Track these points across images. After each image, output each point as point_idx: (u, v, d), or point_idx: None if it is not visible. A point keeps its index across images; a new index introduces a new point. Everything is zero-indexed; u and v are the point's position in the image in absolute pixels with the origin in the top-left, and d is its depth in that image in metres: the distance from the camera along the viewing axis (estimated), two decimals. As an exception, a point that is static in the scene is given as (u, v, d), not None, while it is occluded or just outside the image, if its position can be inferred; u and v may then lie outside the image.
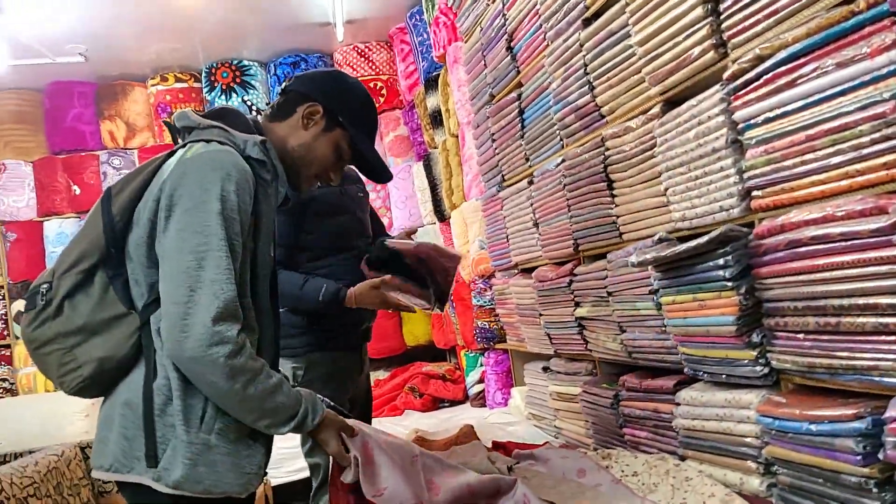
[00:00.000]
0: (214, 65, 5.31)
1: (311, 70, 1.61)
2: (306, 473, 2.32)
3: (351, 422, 1.56)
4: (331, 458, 1.54)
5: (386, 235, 2.37)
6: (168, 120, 1.47)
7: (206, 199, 1.26)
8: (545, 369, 3.15)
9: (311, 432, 1.43)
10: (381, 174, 1.63)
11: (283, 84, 1.55)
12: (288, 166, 1.49)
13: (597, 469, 2.13)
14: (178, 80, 5.35)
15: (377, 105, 5.17)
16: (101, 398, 1.40)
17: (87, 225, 1.37)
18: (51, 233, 5.32)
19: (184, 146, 1.37)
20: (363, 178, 1.80)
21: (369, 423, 2.45)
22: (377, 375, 5.12)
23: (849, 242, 1.40)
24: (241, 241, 1.31)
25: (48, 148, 5.43)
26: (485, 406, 4.04)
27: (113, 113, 5.43)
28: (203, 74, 5.36)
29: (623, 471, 2.06)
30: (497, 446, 2.69)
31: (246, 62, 5.34)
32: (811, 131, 1.50)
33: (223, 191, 1.27)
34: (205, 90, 5.31)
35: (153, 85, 5.39)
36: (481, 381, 4.21)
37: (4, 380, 5.12)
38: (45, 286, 1.33)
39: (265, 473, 1.48)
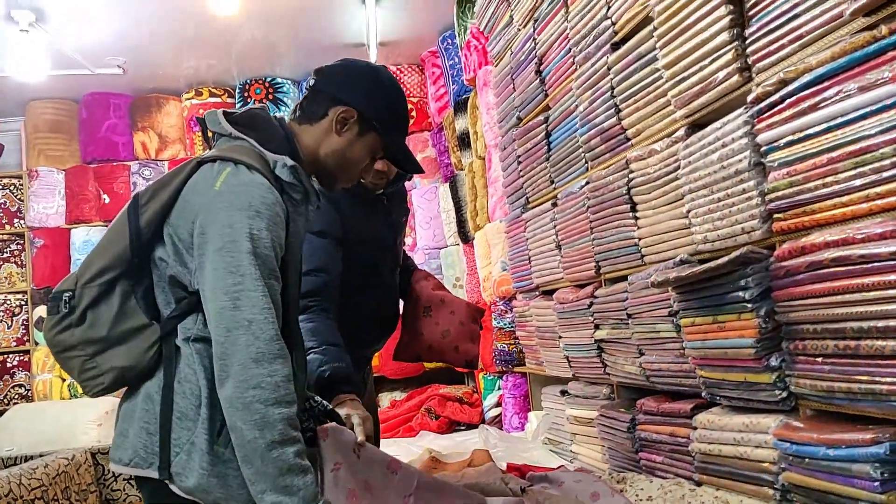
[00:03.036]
0: (248, 81, 5.44)
1: (339, 63, 1.53)
2: None
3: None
4: None
5: (408, 266, 2.33)
6: (200, 117, 1.47)
7: (236, 239, 1.25)
8: (563, 393, 3.13)
9: None
10: (414, 169, 1.60)
11: (311, 79, 1.51)
12: (320, 171, 1.48)
13: (610, 493, 2.10)
14: (212, 94, 5.49)
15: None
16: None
17: (112, 233, 1.37)
18: (77, 240, 5.41)
19: (213, 161, 1.35)
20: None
21: (377, 446, 2.37)
22: (394, 396, 5.12)
23: (869, 265, 1.39)
24: (278, 277, 1.30)
25: (81, 157, 5.57)
26: (501, 430, 4.01)
27: (146, 125, 5.57)
28: (237, 90, 5.48)
29: (637, 495, 2.04)
30: (512, 469, 2.68)
31: (279, 80, 5.46)
32: (833, 154, 1.50)
33: (254, 229, 1.26)
34: (237, 105, 5.43)
35: (187, 99, 5.53)
36: (499, 404, 4.19)
37: (21, 385, 5.20)
38: (67, 294, 1.33)
39: None
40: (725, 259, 1.72)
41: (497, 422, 4.13)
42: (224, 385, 1.23)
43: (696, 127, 2.03)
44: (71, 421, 3.75)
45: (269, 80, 5.45)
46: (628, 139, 2.45)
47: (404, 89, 5.22)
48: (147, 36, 4.68)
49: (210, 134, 1.47)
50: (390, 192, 2.09)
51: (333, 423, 1.53)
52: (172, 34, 4.69)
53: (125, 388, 1.40)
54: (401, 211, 2.21)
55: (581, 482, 2.22)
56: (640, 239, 2.35)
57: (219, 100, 5.49)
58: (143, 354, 1.33)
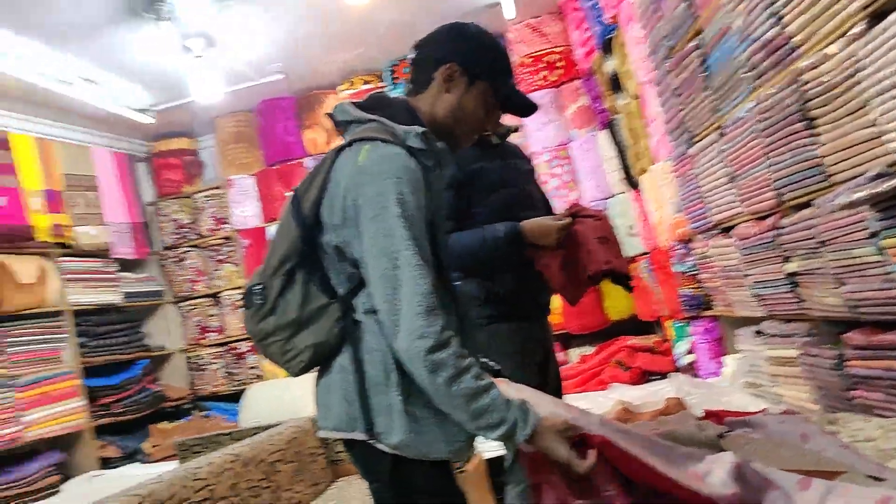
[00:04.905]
0: (395, 62, 5.57)
1: (430, 33, 1.59)
2: None
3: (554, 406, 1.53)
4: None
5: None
6: (331, 113, 1.55)
7: (386, 205, 1.33)
8: (758, 333, 2.91)
9: (528, 442, 1.36)
10: (529, 109, 1.61)
11: (410, 56, 1.55)
12: (442, 132, 1.51)
13: (821, 434, 1.93)
14: (364, 82, 5.69)
15: (556, 78, 5.18)
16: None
17: (282, 228, 1.50)
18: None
19: (350, 144, 1.44)
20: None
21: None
22: (583, 351, 5.08)
23: None
24: (425, 237, 1.38)
25: (264, 161, 6.04)
26: (696, 377, 3.83)
27: (312, 122, 5.90)
28: (385, 74, 5.63)
29: (854, 436, 1.85)
30: (709, 415, 2.55)
31: (417, 52, 5.52)
32: None
33: (399, 194, 1.33)
34: (387, 88, 5.58)
35: (342, 90, 5.78)
36: (691, 351, 4.00)
37: (254, 367, 5.85)
38: (258, 287, 1.48)
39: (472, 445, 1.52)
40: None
41: (691, 369, 3.95)
42: (396, 339, 1.32)
43: (876, 18, 1.76)
44: (297, 394, 4.21)
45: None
46: (795, 48, 2.18)
47: (547, 39, 5.16)
48: (300, 39, 4.95)
49: (343, 127, 1.56)
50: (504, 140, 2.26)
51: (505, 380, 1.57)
52: (321, 33, 4.91)
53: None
54: (523, 159, 2.36)
55: (786, 423, 2.07)
56: (823, 157, 2.10)
57: (371, 86, 5.67)
58: (329, 331, 1.45)
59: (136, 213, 5.78)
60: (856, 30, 1.84)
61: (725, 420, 2.34)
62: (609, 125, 4.67)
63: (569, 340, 5.21)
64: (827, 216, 2.06)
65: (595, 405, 3.32)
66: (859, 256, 1.93)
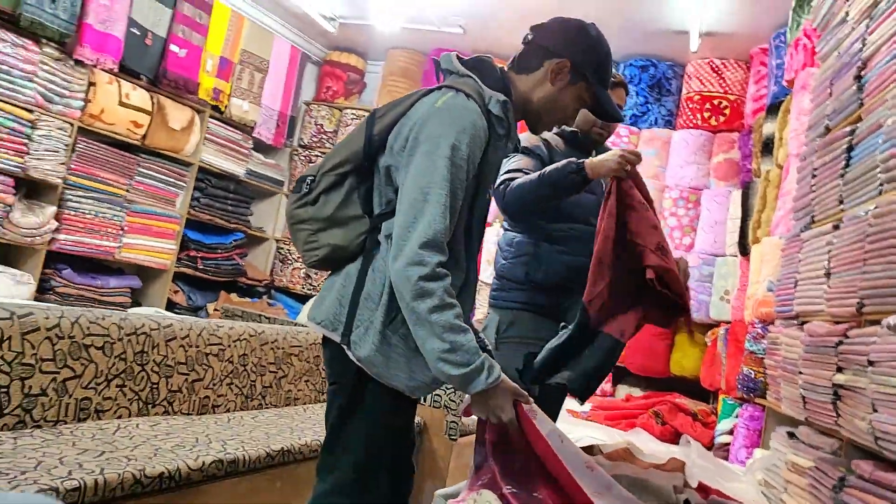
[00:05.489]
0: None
1: (553, 20, 1.66)
2: None
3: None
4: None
5: None
6: (436, 59, 1.67)
7: (440, 146, 1.43)
8: (791, 435, 2.79)
9: (482, 394, 1.44)
10: (615, 116, 1.68)
11: (526, 35, 1.63)
12: (531, 114, 1.62)
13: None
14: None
15: (717, 123, 5.02)
16: None
17: (352, 136, 1.62)
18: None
19: (439, 89, 1.56)
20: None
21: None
22: (632, 391, 5.00)
23: None
24: (463, 188, 1.46)
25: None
26: (727, 459, 3.71)
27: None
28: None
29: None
30: (701, 487, 2.51)
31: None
32: None
33: (457, 141, 1.43)
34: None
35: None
36: (731, 432, 3.86)
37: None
38: (310, 178, 1.61)
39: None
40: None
41: (724, 449, 3.82)
42: (396, 260, 1.42)
43: None
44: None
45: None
46: (930, 163, 2.06)
47: (724, 83, 5.01)
48: (490, 2, 5.08)
49: (443, 74, 1.68)
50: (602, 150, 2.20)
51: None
52: (514, 5, 5.01)
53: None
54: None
55: (759, 524, 2.02)
56: (907, 277, 1.99)
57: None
58: (353, 239, 1.57)
59: (288, 105, 6.20)
60: None
61: (710, 497, 2.31)
62: (746, 186, 4.49)
63: (623, 376, 5.13)
64: (885, 337, 1.96)
65: (605, 437, 3.32)
66: (894, 385, 1.83)
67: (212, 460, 1.91)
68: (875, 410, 1.99)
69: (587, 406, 4.65)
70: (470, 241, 1.58)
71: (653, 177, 5.10)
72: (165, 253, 5.08)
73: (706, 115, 5.13)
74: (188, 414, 2.36)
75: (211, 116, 5.40)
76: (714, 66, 5.15)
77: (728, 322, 4.35)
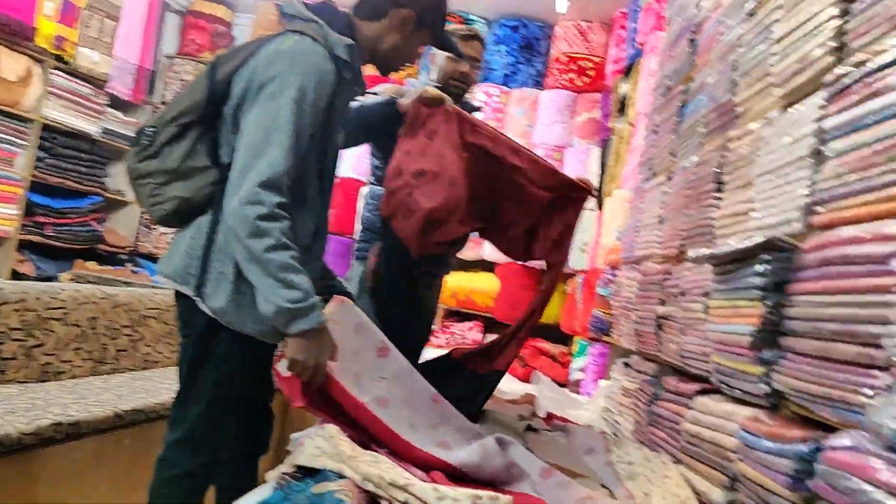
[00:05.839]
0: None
1: None
2: None
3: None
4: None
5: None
6: (280, 4, 1.71)
7: (286, 88, 1.45)
8: (626, 365, 3.09)
9: (306, 334, 1.47)
10: (461, 55, 1.93)
11: None
12: (378, 58, 1.71)
13: (603, 451, 2.13)
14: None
15: (581, 84, 5.28)
16: None
17: (193, 86, 1.61)
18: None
19: (283, 33, 1.59)
20: None
21: (418, 356, 2.48)
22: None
23: (872, 267, 1.28)
24: (308, 131, 1.49)
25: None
26: (579, 393, 4.03)
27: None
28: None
29: (620, 458, 2.04)
30: (549, 416, 2.74)
31: (472, 16, 5.62)
32: (881, 146, 1.38)
33: (302, 84, 1.46)
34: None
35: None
36: (584, 369, 4.19)
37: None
38: (151, 129, 1.59)
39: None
40: (753, 244, 1.64)
41: (579, 385, 4.14)
42: (231, 199, 1.43)
43: (787, 108, 1.90)
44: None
45: (463, 14, 5.64)
46: (736, 118, 2.32)
47: (589, 46, 5.26)
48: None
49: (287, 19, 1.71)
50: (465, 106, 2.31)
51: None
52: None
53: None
54: None
55: (587, 437, 2.27)
56: (715, 220, 2.26)
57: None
58: (199, 190, 1.57)
59: (148, 58, 5.82)
60: (773, 113, 1.98)
61: (552, 423, 2.54)
62: (604, 144, 4.79)
63: (492, 326, 5.39)
64: (693, 270, 2.22)
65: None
66: (696, 311, 2.09)
67: (49, 423, 1.84)
68: (683, 334, 2.26)
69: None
70: (322, 185, 1.63)
71: (521, 135, 5.32)
72: (6, 219, 4.64)
73: (571, 76, 5.39)
74: (24, 382, 2.25)
75: (55, 68, 4.92)
76: (580, 28, 5.40)
77: (584, 270, 4.66)
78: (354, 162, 5.45)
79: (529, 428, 2.38)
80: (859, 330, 1.24)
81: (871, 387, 1.20)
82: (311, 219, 1.60)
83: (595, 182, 4.85)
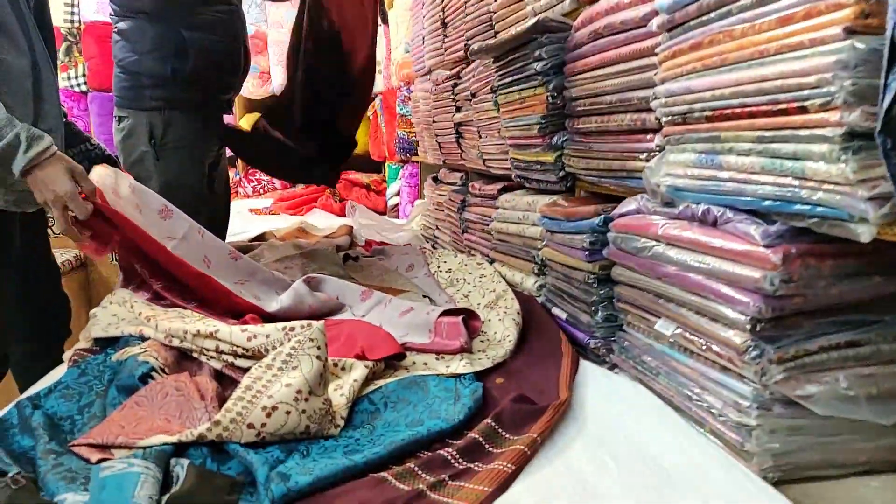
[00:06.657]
0: None
1: None
2: None
3: None
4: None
5: None
6: None
7: None
8: (435, 180, 3.11)
9: (31, 172, 1.26)
10: None
11: None
12: None
13: (423, 265, 2.15)
14: None
15: None
16: None
17: None
18: None
19: None
20: None
21: (226, 218, 2.39)
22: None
23: (627, 33, 1.28)
24: None
25: None
26: (398, 217, 4.06)
27: None
28: None
29: (440, 266, 2.08)
30: (368, 243, 2.72)
31: None
32: None
33: None
34: None
35: None
36: (399, 193, 4.19)
37: None
38: None
39: None
40: (525, 27, 1.60)
41: (397, 210, 4.17)
42: None
43: None
44: None
45: None
46: None
47: None
48: None
49: None
50: None
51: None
52: None
53: None
54: None
55: (406, 255, 2.28)
56: (494, 13, 2.19)
57: None
58: None
59: None
60: None
61: (372, 248, 2.52)
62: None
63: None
64: (479, 69, 2.18)
65: (283, 223, 3.41)
66: (489, 111, 2.08)
67: None
68: (481, 137, 2.26)
69: (269, 202, 4.68)
70: (21, 14, 1.39)
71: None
72: None
73: None
74: None
75: None
76: None
77: (382, 92, 4.52)
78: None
79: (348, 257, 2.35)
80: (631, 97, 1.27)
81: (646, 150, 1.25)
82: (16, 54, 1.38)
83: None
